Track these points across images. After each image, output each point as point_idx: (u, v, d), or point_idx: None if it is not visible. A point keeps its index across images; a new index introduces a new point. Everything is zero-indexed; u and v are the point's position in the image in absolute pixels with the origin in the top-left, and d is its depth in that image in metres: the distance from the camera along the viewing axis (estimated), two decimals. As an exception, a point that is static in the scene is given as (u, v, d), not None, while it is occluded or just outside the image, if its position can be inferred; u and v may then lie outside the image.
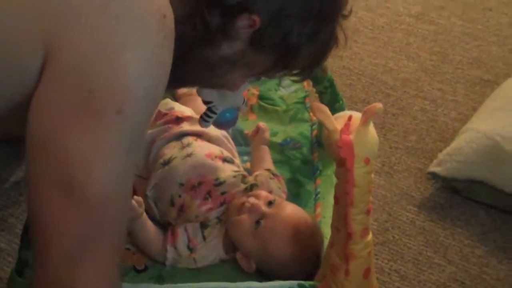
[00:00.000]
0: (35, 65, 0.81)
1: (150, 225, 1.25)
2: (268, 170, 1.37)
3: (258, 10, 0.91)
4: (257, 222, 1.20)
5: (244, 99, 1.26)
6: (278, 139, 1.58)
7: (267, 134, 1.46)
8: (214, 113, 1.24)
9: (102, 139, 0.81)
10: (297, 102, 1.71)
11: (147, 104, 0.84)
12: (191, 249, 1.22)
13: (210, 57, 0.96)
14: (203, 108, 1.52)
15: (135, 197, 1.20)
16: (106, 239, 0.85)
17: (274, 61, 0.99)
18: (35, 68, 0.82)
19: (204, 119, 1.25)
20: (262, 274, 1.22)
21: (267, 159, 1.43)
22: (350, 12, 1.01)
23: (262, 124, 1.47)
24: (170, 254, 1.23)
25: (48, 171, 0.81)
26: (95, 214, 0.82)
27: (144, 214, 1.23)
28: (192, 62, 0.97)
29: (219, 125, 1.29)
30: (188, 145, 1.34)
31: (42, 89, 0.81)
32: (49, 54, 0.81)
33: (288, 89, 1.77)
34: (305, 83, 1.77)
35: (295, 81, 1.06)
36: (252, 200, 1.22)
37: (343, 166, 1.04)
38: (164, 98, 1.56)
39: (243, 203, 1.22)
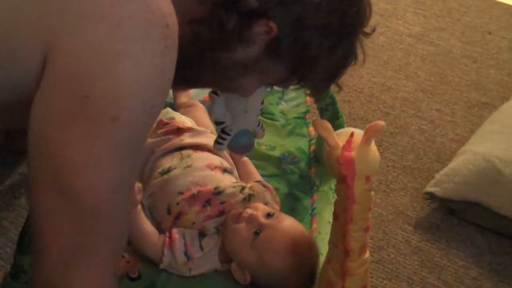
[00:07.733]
0: (35, 64, 0.81)
1: (145, 218, 1.23)
2: (259, 181, 1.37)
3: (276, 17, 0.90)
4: (256, 233, 1.20)
5: (259, 122, 1.23)
6: (276, 153, 1.58)
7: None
8: (228, 134, 1.19)
9: (96, 146, 0.80)
10: (296, 117, 1.72)
11: (145, 113, 0.82)
12: (188, 256, 1.22)
13: (224, 59, 0.95)
14: (203, 118, 1.52)
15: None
16: (102, 247, 0.85)
17: (289, 71, 0.98)
18: (34, 67, 0.81)
19: (218, 142, 1.20)
20: (256, 287, 1.22)
21: (254, 171, 1.43)
22: (374, 30, 0.99)
23: None
24: (167, 258, 1.22)
25: (46, 174, 0.81)
26: (89, 221, 0.82)
27: (139, 206, 1.21)
28: (206, 63, 0.96)
29: (234, 150, 1.25)
30: (188, 156, 1.34)
31: (40, 93, 0.81)
32: (48, 55, 0.80)
33: (289, 103, 1.77)
34: (307, 98, 1.77)
35: (310, 96, 1.04)
36: (250, 210, 1.22)
37: (343, 183, 1.05)
38: (164, 107, 1.56)
39: (240, 213, 1.22)
